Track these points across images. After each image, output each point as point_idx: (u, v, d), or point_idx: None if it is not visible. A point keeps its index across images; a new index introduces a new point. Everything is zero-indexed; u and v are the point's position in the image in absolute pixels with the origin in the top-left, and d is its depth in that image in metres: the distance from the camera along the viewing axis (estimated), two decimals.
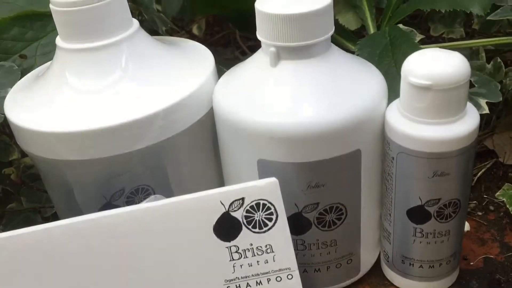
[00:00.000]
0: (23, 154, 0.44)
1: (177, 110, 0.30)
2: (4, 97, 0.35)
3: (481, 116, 0.46)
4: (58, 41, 0.31)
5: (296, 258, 0.31)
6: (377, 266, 0.36)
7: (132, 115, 0.29)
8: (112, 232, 0.28)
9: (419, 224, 0.30)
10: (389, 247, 0.33)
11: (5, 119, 0.33)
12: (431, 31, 0.55)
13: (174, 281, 0.28)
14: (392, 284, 0.35)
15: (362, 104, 0.28)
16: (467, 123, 0.27)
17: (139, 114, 0.29)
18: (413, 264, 0.32)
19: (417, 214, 0.30)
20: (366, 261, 0.35)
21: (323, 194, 0.30)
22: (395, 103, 0.29)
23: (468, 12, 0.42)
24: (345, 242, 0.32)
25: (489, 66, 0.49)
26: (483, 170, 0.54)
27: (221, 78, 0.33)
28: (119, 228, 0.28)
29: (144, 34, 0.33)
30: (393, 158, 0.29)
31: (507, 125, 0.54)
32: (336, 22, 0.46)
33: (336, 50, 0.30)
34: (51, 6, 0.30)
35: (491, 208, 0.51)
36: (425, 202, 0.29)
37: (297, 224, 0.31)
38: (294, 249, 0.31)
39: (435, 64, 0.26)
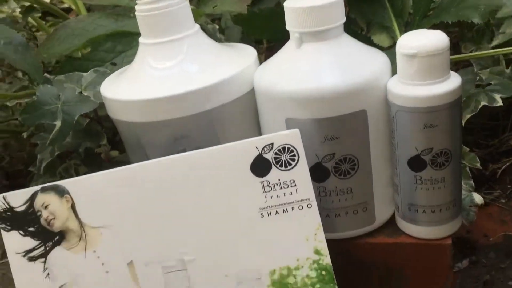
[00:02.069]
0: (108, 141, 0.55)
1: (226, 84, 0.40)
2: (99, 91, 0.46)
3: (506, 117, 0.53)
4: (141, 39, 0.42)
5: (319, 204, 0.39)
6: (392, 220, 0.42)
7: (191, 86, 0.39)
8: (173, 171, 0.37)
9: (418, 171, 0.37)
10: (398, 198, 0.40)
11: (96, 112, 0.43)
12: (462, 49, 0.61)
13: (220, 211, 0.37)
14: (404, 233, 0.41)
15: (367, 74, 0.37)
16: (450, 84, 0.35)
17: (197, 86, 0.39)
18: (417, 210, 0.39)
19: (416, 163, 0.37)
20: (381, 213, 0.41)
21: (338, 146, 0.38)
22: (395, 75, 0.37)
23: (470, 22, 0.49)
24: (359, 191, 0.39)
25: (507, 70, 0.55)
26: (507, 164, 0.59)
27: (261, 65, 0.42)
28: (178, 168, 0.37)
29: (203, 34, 0.43)
30: (393, 117, 0.37)
31: None
32: (372, 42, 0.55)
33: (347, 36, 0.39)
34: (137, 13, 0.41)
35: None
36: (420, 152, 0.36)
37: (318, 173, 0.39)
38: (317, 195, 0.39)
39: (419, 38, 0.34)
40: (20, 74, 0.70)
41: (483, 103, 0.52)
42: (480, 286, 0.45)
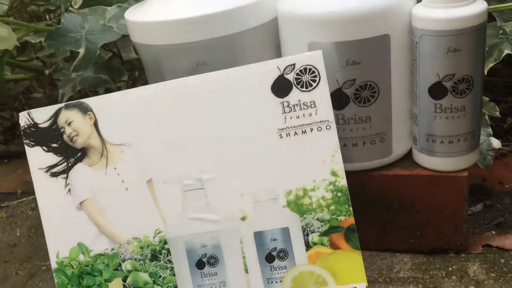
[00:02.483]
0: (129, 77, 0.56)
1: (249, 9, 0.40)
2: (121, 24, 0.47)
3: None
4: None
5: (337, 132, 0.39)
6: (409, 155, 0.43)
7: (214, 9, 0.39)
8: (192, 91, 0.37)
9: (438, 99, 0.37)
10: (416, 129, 0.40)
11: (118, 48, 0.43)
12: None
13: (239, 131, 0.37)
14: (420, 166, 0.41)
15: None
16: (475, 7, 0.35)
17: (220, 8, 0.39)
18: (435, 141, 0.39)
19: (436, 90, 0.37)
20: (398, 145, 0.41)
21: (358, 72, 0.38)
22: (421, 2, 0.37)
23: None
24: (378, 120, 0.40)
25: None
26: None
27: None
28: (196, 88, 0.37)
29: None
30: (416, 43, 0.37)
31: None
32: None
33: None
34: None
35: None
36: (442, 78, 0.36)
37: (338, 99, 0.39)
38: (336, 124, 0.39)
39: None
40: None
41: (506, 51, 0.51)
42: (493, 227, 0.45)
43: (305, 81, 0.36)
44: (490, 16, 0.60)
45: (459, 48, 0.35)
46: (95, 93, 0.58)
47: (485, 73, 0.51)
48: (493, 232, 0.45)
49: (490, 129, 0.48)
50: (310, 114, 0.36)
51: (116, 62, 0.55)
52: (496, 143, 0.47)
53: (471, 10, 0.34)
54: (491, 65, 0.52)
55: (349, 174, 0.40)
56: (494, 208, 0.48)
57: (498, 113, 0.50)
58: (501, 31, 0.55)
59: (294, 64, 0.36)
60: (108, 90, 0.57)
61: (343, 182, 0.36)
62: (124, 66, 0.56)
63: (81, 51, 0.47)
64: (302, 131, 0.37)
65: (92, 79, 0.55)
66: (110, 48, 0.53)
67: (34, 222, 0.58)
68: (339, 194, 0.36)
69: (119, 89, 0.55)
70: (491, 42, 0.54)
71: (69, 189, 0.39)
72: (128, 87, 0.56)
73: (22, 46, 0.62)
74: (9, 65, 0.64)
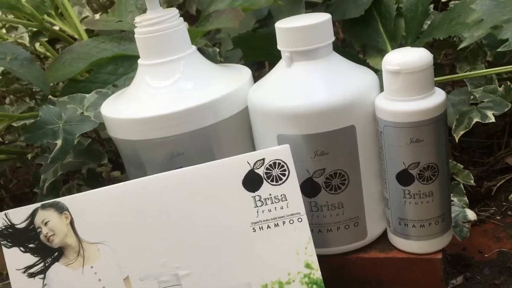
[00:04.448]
0: (109, 160, 0.56)
1: (221, 102, 0.41)
2: (100, 111, 0.48)
3: (501, 136, 0.54)
4: (140, 60, 0.44)
5: (311, 219, 0.40)
6: (384, 236, 0.43)
7: (187, 104, 0.40)
8: (166, 187, 0.38)
9: (406, 186, 0.38)
10: (389, 212, 0.41)
11: (97, 133, 0.44)
12: (458, 69, 0.63)
13: (213, 226, 0.38)
14: (395, 248, 0.42)
15: (355, 90, 0.38)
16: (433, 100, 0.36)
17: (193, 103, 0.40)
18: (407, 224, 0.39)
19: (404, 177, 0.38)
20: (373, 228, 0.42)
21: (327, 161, 0.39)
22: (383, 92, 0.39)
23: (460, 37, 0.51)
24: (350, 206, 0.40)
25: (500, 89, 0.56)
26: (502, 181, 0.59)
27: (255, 84, 0.43)
28: (173, 184, 0.38)
29: (199, 55, 0.45)
30: (381, 132, 0.38)
31: None
32: (368, 65, 0.57)
33: (336, 55, 0.40)
34: (136, 36, 0.43)
35: (510, 213, 0.56)
36: (408, 166, 0.37)
37: (310, 188, 0.39)
38: (309, 211, 0.40)
39: (403, 55, 0.36)
40: (27, 99, 0.72)
41: (476, 120, 0.53)
42: None
43: (275, 175, 0.37)
44: (461, 82, 0.62)
45: (421, 138, 0.36)
46: (79, 174, 0.59)
47: (456, 140, 0.53)
48: None
49: (465, 198, 0.49)
50: (282, 207, 0.37)
51: (96, 146, 0.56)
52: (471, 215, 0.47)
53: (430, 102, 0.36)
54: (461, 133, 0.53)
55: (326, 258, 0.40)
56: (475, 280, 0.48)
57: (472, 181, 0.51)
58: (471, 97, 0.57)
59: (263, 159, 0.37)
60: (90, 171, 0.58)
61: (317, 274, 0.37)
62: (106, 144, 0.57)
63: (59, 142, 0.47)
64: (275, 224, 0.37)
65: (72, 164, 0.55)
66: (89, 135, 0.54)
67: None
68: (314, 286, 0.37)
69: (100, 173, 0.56)
70: (461, 109, 0.55)
71: None
72: (109, 170, 0.56)
73: (7, 128, 0.63)
74: None
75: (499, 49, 0.53)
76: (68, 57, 0.58)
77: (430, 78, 0.36)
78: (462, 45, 0.41)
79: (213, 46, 0.61)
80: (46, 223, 0.39)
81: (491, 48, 0.59)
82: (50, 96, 0.55)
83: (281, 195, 0.37)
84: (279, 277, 0.37)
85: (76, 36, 0.65)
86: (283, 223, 0.37)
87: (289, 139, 0.38)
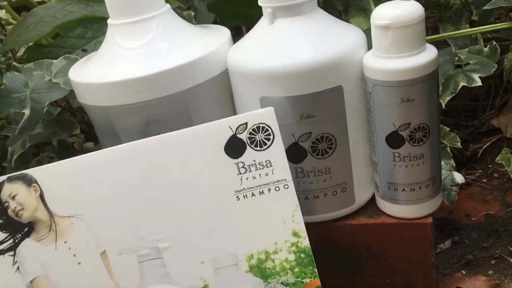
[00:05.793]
0: (82, 131, 0.53)
1: (199, 64, 0.39)
2: (68, 78, 0.45)
3: (486, 98, 0.52)
4: (109, 20, 0.41)
5: (297, 186, 0.38)
6: (372, 201, 0.42)
7: (163, 66, 0.37)
8: (143, 155, 0.35)
9: (396, 148, 0.36)
10: (378, 177, 0.39)
11: (68, 101, 0.41)
12: (441, 31, 0.61)
13: (194, 195, 0.35)
14: (384, 213, 0.40)
15: (341, 49, 0.36)
16: (425, 56, 0.34)
17: (169, 65, 0.37)
18: (396, 189, 0.38)
19: (393, 139, 0.36)
20: (361, 193, 0.40)
21: (314, 125, 0.36)
22: (371, 50, 0.36)
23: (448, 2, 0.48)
24: (338, 171, 0.38)
25: (486, 49, 0.54)
26: (488, 144, 0.58)
27: (234, 44, 0.41)
28: (149, 152, 0.35)
29: (174, 14, 0.42)
30: (370, 92, 0.36)
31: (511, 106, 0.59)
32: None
33: (321, 11, 0.37)
34: None
35: (496, 175, 0.56)
36: (398, 127, 0.35)
37: (295, 153, 0.37)
38: (295, 177, 0.38)
39: (393, 9, 0.33)
40: None
41: (462, 83, 0.51)
42: (463, 265, 0.44)
43: (259, 140, 0.35)
44: (445, 42, 0.60)
45: (412, 98, 0.34)
46: (49, 146, 0.56)
47: (443, 106, 0.51)
48: (463, 272, 0.44)
49: (452, 161, 0.48)
50: (267, 174, 0.35)
51: (67, 116, 0.53)
52: (459, 178, 0.46)
53: (422, 59, 0.34)
54: (448, 98, 0.52)
55: (313, 225, 0.39)
56: (463, 244, 0.47)
57: (459, 144, 0.50)
58: (456, 58, 0.55)
59: (246, 123, 0.35)
60: (61, 142, 0.55)
61: (305, 242, 0.35)
62: (78, 114, 0.54)
63: (26, 112, 0.44)
64: (260, 191, 0.35)
65: (42, 135, 0.52)
66: (59, 104, 0.51)
67: None
68: (302, 255, 0.35)
69: (72, 145, 0.53)
70: (447, 72, 0.54)
71: (18, 267, 0.36)
72: (81, 141, 0.53)
73: None
74: None
75: (485, 7, 0.52)
76: (31, 20, 0.54)
77: (422, 33, 0.34)
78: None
79: (188, 10, 0.58)
80: (13, 197, 0.36)
81: (477, 6, 0.57)
82: (14, 63, 0.51)
83: (265, 161, 0.35)
84: (265, 247, 0.35)
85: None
86: (269, 191, 0.35)
87: (272, 101, 0.36)
